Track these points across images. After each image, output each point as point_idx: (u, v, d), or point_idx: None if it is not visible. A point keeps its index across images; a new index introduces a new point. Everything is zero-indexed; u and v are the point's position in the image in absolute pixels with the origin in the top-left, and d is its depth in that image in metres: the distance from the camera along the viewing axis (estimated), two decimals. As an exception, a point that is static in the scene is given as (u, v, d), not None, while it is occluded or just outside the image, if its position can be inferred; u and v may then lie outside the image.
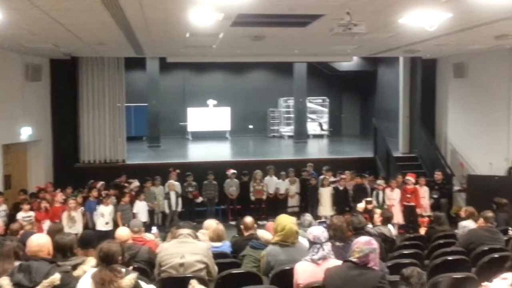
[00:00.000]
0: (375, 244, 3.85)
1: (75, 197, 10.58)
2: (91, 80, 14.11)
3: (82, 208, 10.54)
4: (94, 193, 10.94)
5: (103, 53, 13.08)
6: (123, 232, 5.90)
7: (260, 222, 10.78)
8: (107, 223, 10.33)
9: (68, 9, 6.90)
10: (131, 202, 11.09)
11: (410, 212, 11.56)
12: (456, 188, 13.06)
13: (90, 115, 14.17)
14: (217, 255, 5.71)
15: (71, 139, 14.06)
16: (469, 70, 13.40)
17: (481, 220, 6.97)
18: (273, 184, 13.05)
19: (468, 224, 7.53)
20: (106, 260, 3.86)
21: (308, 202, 12.77)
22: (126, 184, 12.13)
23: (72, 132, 14.10)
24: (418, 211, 11.59)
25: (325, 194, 12.21)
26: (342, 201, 12.15)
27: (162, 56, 15.82)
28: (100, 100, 14.17)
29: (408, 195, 11.59)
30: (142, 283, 4.12)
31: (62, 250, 4.56)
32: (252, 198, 12.91)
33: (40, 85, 12.86)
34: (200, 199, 12.78)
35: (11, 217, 9.42)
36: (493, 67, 12.54)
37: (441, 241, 6.91)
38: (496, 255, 5.45)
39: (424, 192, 11.83)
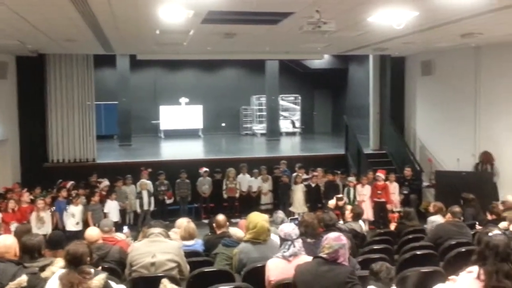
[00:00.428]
0: (344, 240, 3.90)
1: (44, 197, 10.37)
2: (59, 78, 13.80)
3: (52, 208, 10.34)
4: (63, 193, 10.75)
5: (71, 50, 12.82)
6: (92, 232, 5.80)
7: (233, 220, 10.84)
8: (77, 223, 10.20)
9: (33, 4, 6.75)
10: (102, 202, 10.93)
11: (380, 208, 11.75)
12: (425, 183, 13.32)
13: (59, 114, 13.87)
14: (189, 254, 5.69)
15: (39, 138, 13.74)
16: (436, 68, 13.69)
17: (448, 215, 7.12)
18: (246, 182, 13.06)
19: (436, 219, 7.69)
20: (73, 262, 3.81)
21: (280, 199, 12.84)
22: (96, 184, 11.96)
23: (40, 131, 13.77)
24: (389, 207, 11.79)
25: (298, 192, 12.29)
26: (315, 198, 12.26)
27: (132, 54, 15.63)
28: (69, 98, 13.88)
29: (379, 191, 11.78)
30: (112, 283, 4.08)
31: (30, 252, 4.48)
32: (225, 196, 12.88)
33: (6, 83, 12.54)
34: (171, 200, 12.67)
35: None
36: (460, 65, 12.84)
37: (411, 236, 7.04)
38: (463, 249, 5.58)
39: (394, 188, 12.04)
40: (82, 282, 3.69)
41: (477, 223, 7.94)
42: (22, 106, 13.28)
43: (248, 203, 12.80)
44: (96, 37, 10.16)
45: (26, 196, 10.25)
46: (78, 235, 8.86)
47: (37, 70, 13.48)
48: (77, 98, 13.99)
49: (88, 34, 9.62)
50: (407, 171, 12.49)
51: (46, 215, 9.85)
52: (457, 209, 7.08)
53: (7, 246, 4.18)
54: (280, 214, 7.14)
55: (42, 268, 4.33)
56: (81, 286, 3.67)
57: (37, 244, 4.52)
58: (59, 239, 5.47)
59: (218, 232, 6.53)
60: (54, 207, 10.40)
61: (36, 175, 12.83)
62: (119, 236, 6.80)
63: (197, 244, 6.35)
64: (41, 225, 9.61)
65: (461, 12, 7.67)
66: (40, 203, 9.78)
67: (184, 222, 6.70)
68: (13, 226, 8.90)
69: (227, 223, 6.66)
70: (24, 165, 13.29)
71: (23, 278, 3.83)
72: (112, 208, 11.07)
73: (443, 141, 13.49)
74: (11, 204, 9.55)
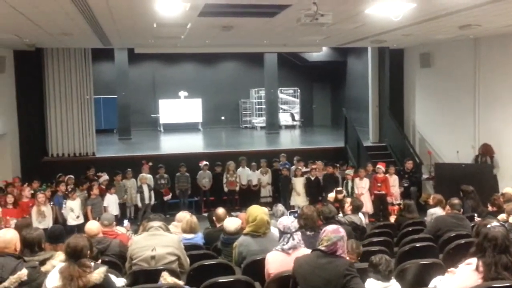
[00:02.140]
0: (342, 232, 3.90)
1: (43, 191, 10.38)
2: (57, 72, 13.77)
3: (52, 202, 10.36)
4: (62, 187, 10.76)
5: (69, 44, 12.78)
6: (92, 226, 5.82)
7: (233, 214, 10.82)
8: (77, 217, 10.23)
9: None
10: (102, 196, 10.95)
11: (380, 201, 11.77)
12: (424, 176, 13.33)
13: (58, 108, 13.85)
14: (190, 247, 5.71)
15: (38, 132, 13.74)
16: (435, 60, 13.65)
17: (448, 207, 7.13)
18: (245, 175, 13.07)
19: (436, 212, 7.70)
20: (74, 256, 3.82)
21: (280, 192, 12.85)
22: (94, 178, 11.96)
23: (39, 125, 13.77)
24: (389, 199, 11.81)
25: (298, 184, 12.31)
26: (315, 191, 12.27)
27: (130, 47, 15.58)
28: (67, 92, 13.85)
29: (379, 184, 11.80)
30: (112, 276, 4.09)
31: (30, 245, 4.50)
32: (226, 189, 12.90)
33: (4, 77, 12.49)
34: (169, 196, 12.68)
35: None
36: (459, 56, 12.80)
37: (410, 229, 7.05)
38: (462, 241, 5.58)
39: (394, 180, 12.05)
40: (82, 276, 3.71)
41: (476, 215, 7.96)
42: (21, 100, 13.25)
43: (248, 196, 12.82)
44: (93, 31, 10.11)
45: (28, 191, 10.25)
46: (79, 229, 8.93)
47: (35, 64, 13.45)
48: (76, 92, 13.96)
49: (85, 28, 9.57)
50: (409, 164, 12.48)
51: (47, 209, 9.86)
52: (456, 201, 7.08)
53: (7, 240, 4.18)
54: (280, 207, 7.15)
55: (43, 262, 4.34)
56: (81, 280, 3.69)
57: (37, 238, 4.54)
58: (59, 233, 5.49)
59: (218, 225, 6.56)
60: (53, 202, 10.40)
61: (35, 169, 12.84)
62: (119, 229, 6.82)
63: (197, 237, 6.37)
64: (42, 219, 9.62)
65: (458, 3, 7.63)
66: (40, 197, 9.78)
67: (186, 216, 6.71)
68: (13, 221, 8.91)
69: (227, 216, 6.68)
70: (24, 159, 13.29)
71: (23, 272, 3.85)
72: (111, 202, 11.09)
73: (442, 133, 13.49)
74: (9, 198, 9.55)
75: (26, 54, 13.01)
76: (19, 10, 7.51)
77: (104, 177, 11.96)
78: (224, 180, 12.91)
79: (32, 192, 10.35)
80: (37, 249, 4.53)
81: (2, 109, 12.43)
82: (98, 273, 3.76)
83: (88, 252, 3.97)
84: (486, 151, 11.75)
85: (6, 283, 3.78)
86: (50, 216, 9.91)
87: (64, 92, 13.85)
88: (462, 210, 7.27)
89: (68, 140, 14.03)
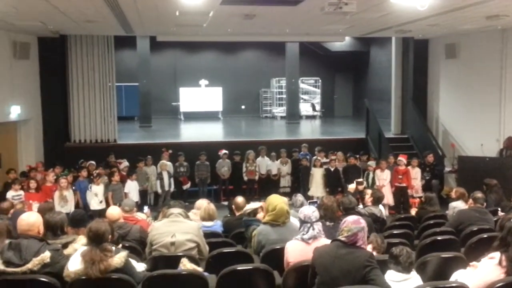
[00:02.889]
0: (363, 223, 3.86)
1: (66, 176, 10.53)
2: (81, 59, 13.89)
3: (73, 187, 10.51)
4: (84, 173, 10.90)
5: (92, 31, 12.88)
6: (114, 211, 5.89)
7: (252, 203, 10.84)
8: (101, 202, 10.36)
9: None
10: (122, 182, 11.07)
11: (401, 193, 11.63)
12: (447, 169, 13.14)
13: (81, 94, 14.00)
14: (209, 235, 5.74)
15: (61, 118, 13.93)
16: (461, 51, 13.38)
17: (470, 201, 7.02)
18: (265, 164, 13.06)
19: (458, 205, 7.59)
20: (95, 240, 3.88)
21: (300, 182, 12.81)
22: (116, 164, 12.10)
23: (62, 111, 13.95)
24: (410, 192, 11.67)
25: (317, 175, 12.26)
26: (334, 182, 12.20)
27: (152, 35, 15.63)
28: (90, 79, 13.99)
29: (400, 176, 11.65)
30: (132, 261, 4.14)
31: (52, 229, 4.56)
32: (245, 178, 12.92)
33: (29, 63, 12.68)
34: (188, 185, 12.75)
35: (0, 196, 9.37)
36: (485, 47, 12.52)
37: (431, 222, 6.97)
38: (485, 235, 5.50)
39: (416, 173, 11.88)
40: (104, 260, 3.76)
41: (499, 209, 7.82)
42: (45, 86, 13.43)
43: (267, 186, 12.83)
44: (117, 18, 10.17)
45: (52, 176, 10.42)
46: (102, 213, 9.07)
47: (58, 50, 13.59)
48: (98, 79, 14.09)
49: (109, 15, 9.64)
50: (430, 157, 12.29)
51: (69, 193, 10.01)
52: (479, 195, 6.97)
53: (31, 223, 4.24)
54: (299, 197, 7.13)
55: (65, 245, 4.41)
56: (102, 263, 3.74)
57: (59, 222, 4.60)
58: (81, 217, 5.56)
59: (237, 214, 6.57)
60: (74, 187, 10.56)
61: (58, 154, 13.04)
62: (139, 215, 6.88)
63: (216, 225, 6.40)
64: (64, 203, 9.77)
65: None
66: (63, 182, 9.93)
67: (204, 203, 6.75)
68: (36, 205, 9.08)
69: (246, 205, 6.68)
70: (47, 145, 13.50)
71: (46, 254, 3.91)
72: (132, 188, 11.20)
73: (466, 125, 13.25)
74: (32, 184, 9.73)
75: (50, 41, 13.16)
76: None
77: (124, 163, 12.08)
78: (244, 169, 12.92)
79: (55, 177, 10.51)
80: (60, 233, 4.59)
81: (27, 95, 12.63)
82: (119, 257, 3.81)
83: (110, 236, 4.01)
84: (511, 144, 11.51)
85: (29, 265, 3.85)
86: (72, 201, 10.06)
87: (87, 79, 13.98)
88: (485, 204, 7.14)
89: (90, 127, 14.19)
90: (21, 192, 9.49)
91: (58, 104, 13.74)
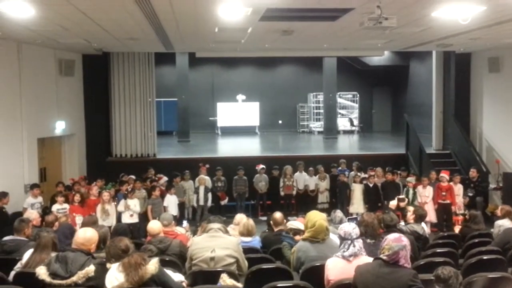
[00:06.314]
0: (405, 241, 3.76)
1: (109, 189, 10.74)
2: (122, 75, 14.30)
3: (115, 202, 10.69)
4: (125, 187, 11.07)
5: (134, 48, 13.24)
6: (154, 225, 5.97)
7: (290, 218, 10.79)
8: (131, 215, 10.37)
9: (99, 4, 7.00)
10: (162, 196, 11.20)
11: (444, 210, 11.31)
12: (491, 186, 12.72)
13: (122, 110, 14.38)
14: (247, 250, 5.72)
15: (103, 134, 14.32)
16: (504, 65, 13.02)
17: (517, 219, 6.77)
18: (303, 180, 12.97)
19: (504, 223, 7.31)
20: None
21: (338, 198, 12.66)
22: (155, 178, 12.27)
23: (104, 126, 14.35)
24: (453, 209, 11.34)
25: (357, 191, 12.09)
26: (373, 198, 11.99)
27: (191, 51, 15.91)
28: (131, 94, 14.36)
29: (443, 193, 11.32)
30: (168, 271, 4.17)
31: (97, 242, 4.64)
32: (282, 193, 12.86)
33: (73, 80, 13.13)
34: (226, 201, 12.81)
35: (45, 210, 9.64)
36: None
37: (476, 240, 6.74)
38: (533, 255, 5.28)
39: (458, 189, 11.53)
40: (142, 264, 3.77)
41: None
42: (88, 102, 13.88)
43: (304, 201, 12.73)
44: (158, 36, 10.43)
45: (95, 190, 10.63)
46: (134, 227, 9.40)
47: (101, 67, 14.05)
48: (139, 94, 14.44)
49: (150, 33, 9.89)
50: (473, 172, 11.93)
51: (111, 207, 10.16)
52: (527, 213, 6.71)
53: (87, 238, 4.33)
54: (338, 213, 7.04)
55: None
56: (140, 268, 3.75)
57: (102, 235, 4.71)
58: (123, 231, 5.66)
59: (275, 229, 6.54)
60: (115, 202, 10.73)
61: (100, 168, 13.37)
62: (179, 230, 6.95)
63: (255, 241, 6.37)
64: (106, 217, 9.91)
65: (534, 5, 7.24)
66: (105, 195, 10.08)
67: (243, 218, 6.74)
68: (79, 218, 9.29)
69: (284, 220, 6.65)
70: (90, 159, 13.90)
71: (91, 268, 3.98)
72: (171, 202, 11.32)
73: (511, 141, 12.81)
74: (76, 197, 9.96)
75: (94, 58, 13.62)
76: (89, 16, 7.87)
77: (164, 178, 12.24)
78: (281, 184, 12.87)
79: (99, 190, 10.73)
80: (102, 246, 4.69)
81: (71, 111, 13.06)
82: (153, 264, 3.83)
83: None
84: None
85: (74, 278, 3.93)
86: (113, 215, 10.18)
87: (128, 94, 14.36)
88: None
89: (131, 141, 14.51)
90: (66, 205, 9.71)
91: (100, 119, 14.14)
